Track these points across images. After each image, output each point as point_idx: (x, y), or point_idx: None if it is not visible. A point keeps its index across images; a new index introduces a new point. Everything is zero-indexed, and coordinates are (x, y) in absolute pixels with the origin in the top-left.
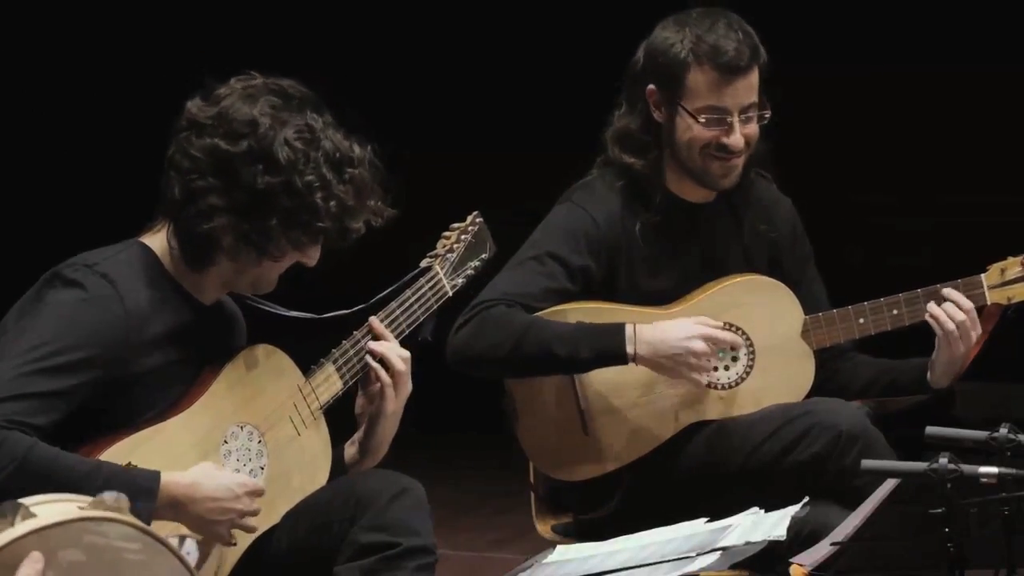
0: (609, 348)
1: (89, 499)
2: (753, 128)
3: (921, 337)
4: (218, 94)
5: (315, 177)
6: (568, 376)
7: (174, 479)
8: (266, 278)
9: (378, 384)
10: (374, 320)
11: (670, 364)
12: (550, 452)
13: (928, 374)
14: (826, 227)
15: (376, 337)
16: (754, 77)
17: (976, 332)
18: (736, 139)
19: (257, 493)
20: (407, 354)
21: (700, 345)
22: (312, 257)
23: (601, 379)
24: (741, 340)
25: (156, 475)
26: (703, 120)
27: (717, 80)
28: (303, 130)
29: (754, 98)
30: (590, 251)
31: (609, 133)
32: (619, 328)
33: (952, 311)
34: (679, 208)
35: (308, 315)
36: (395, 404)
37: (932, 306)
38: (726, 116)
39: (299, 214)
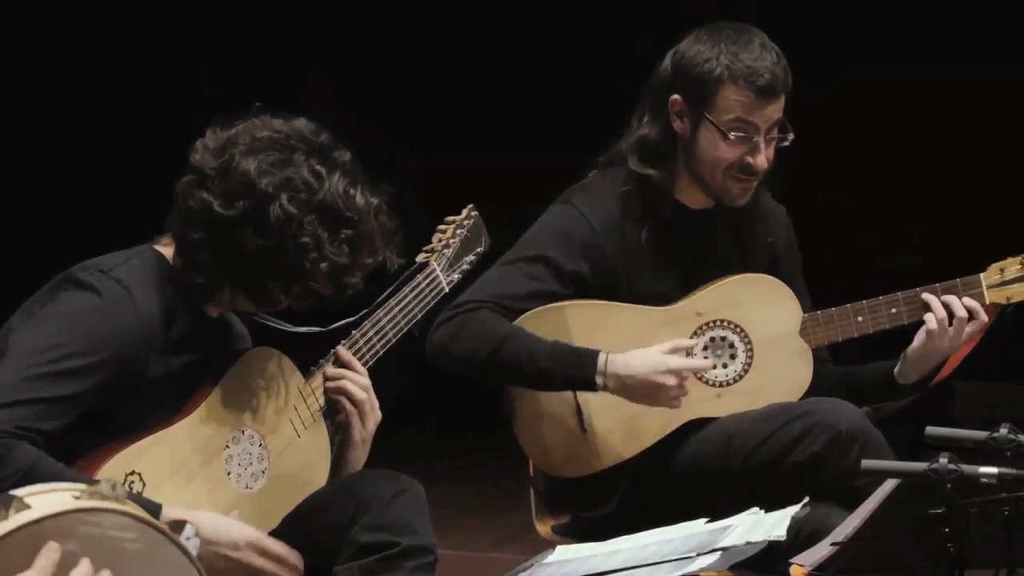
0: (578, 377)
1: (85, 487)
2: (772, 148)
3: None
4: (226, 141)
5: (309, 239)
6: None
7: (173, 513)
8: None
9: (343, 414)
10: (341, 350)
11: (635, 396)
12: (548, 449)
13: (896, 367)
14: (818, 228)
15: (341, 365)
16: (783, 101)
17: (963, 340)
18: (761, 160)
19: (279, 557)
20: (367, 382)
21: (671, 380)
22: None
23: None
24: (710, 364)
25: (156, 507)
26: (732, 137)
27: (752, 101)
28: (300, 189)
29: (780, 116)
30: (584, 256)
31: (628, 141)
32: (592, 357)
33: (953, 304)
34: (682, 215)
35: (316, 329)
36: (362, 432)
37: (931, 297)
38: (754, 135)
39: (294, 274)
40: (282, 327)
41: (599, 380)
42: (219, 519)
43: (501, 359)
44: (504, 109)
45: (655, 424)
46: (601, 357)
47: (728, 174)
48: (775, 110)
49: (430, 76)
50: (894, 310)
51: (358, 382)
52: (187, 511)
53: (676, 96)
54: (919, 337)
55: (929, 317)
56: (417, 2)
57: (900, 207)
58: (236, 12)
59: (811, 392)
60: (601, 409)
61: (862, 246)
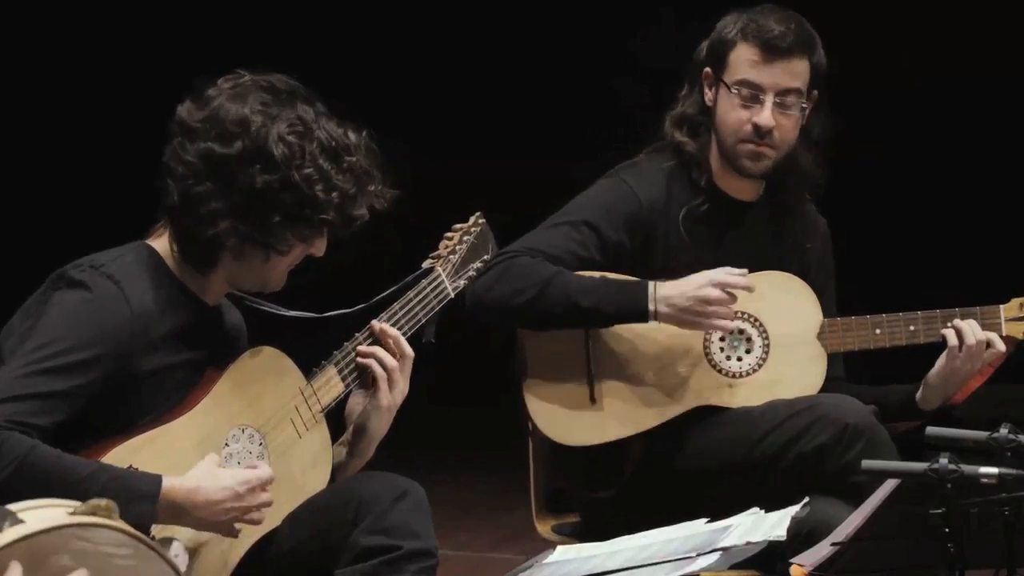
0: (631, 304)
1: (78, 504)
2: (789, 119)
3: (914, 362)
4: (207, 96)
5: (313, 170)
6: (583, 341)
7: (175, 484)
8: (274, 276)
9: (373, 381)
10: (376, 324)
11: (687, 316)
12: (552, 412)
13: (919, 392)
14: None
15: (377, 340)
16: (799, 66)
17: (980, 365)
18: (765, 117)
19: (265, 483)
20: (409, 351)
21: (715, 292)
22: (320, 248)
23: (616, 350)
24: (753, 284)
25: (157, 479)
26: (735, 92)
27: (758, 55)
28: (295, 123)
29: (796, 85)
30: (628, 228)
31: (669, 116)
32: (642, 285)
33: (976, 328)
34: (723, 202)
35: (309, 314)
36: (388, 399)
37: (956, 320)
38: (759, 93)
39: (301, 208)
40: (276, 311)
41: (651, 307)
42: (214, 472)
43: (547, 299)
44: (511, 117)
45: (663, 405)
46: (651, 285)
47: (737, 139)
48: (784, 72)
49: (437, 83)
50: (912, 327)
51: (390, 349)
52: (183, 478)
53: (707, 69)
54: (940, 360)
55: (951, 336)
56: (427, 10)
57: (928, 227)
58: (236, 14)
59: None
60: (613, 382)
61: (884, 261)
